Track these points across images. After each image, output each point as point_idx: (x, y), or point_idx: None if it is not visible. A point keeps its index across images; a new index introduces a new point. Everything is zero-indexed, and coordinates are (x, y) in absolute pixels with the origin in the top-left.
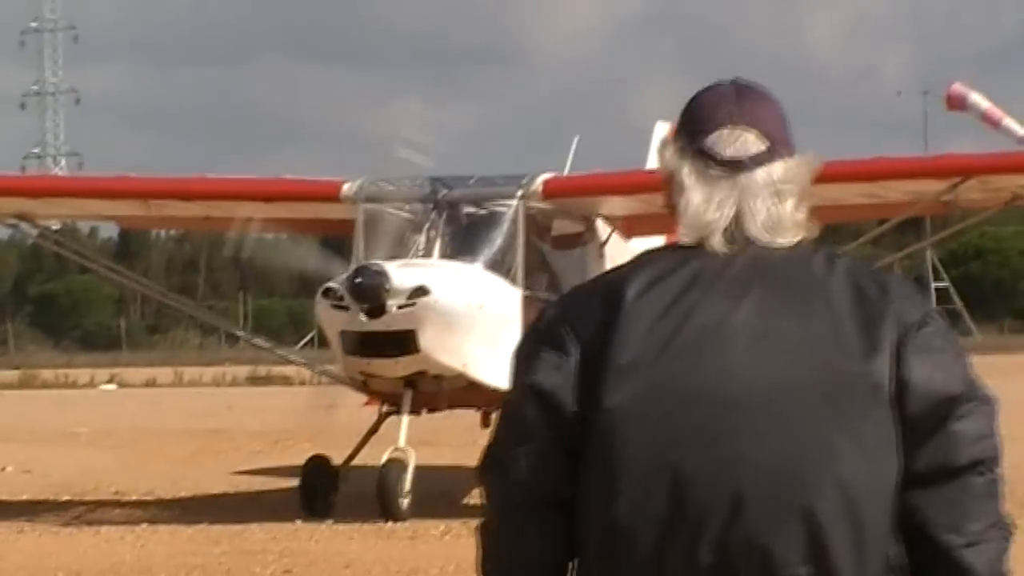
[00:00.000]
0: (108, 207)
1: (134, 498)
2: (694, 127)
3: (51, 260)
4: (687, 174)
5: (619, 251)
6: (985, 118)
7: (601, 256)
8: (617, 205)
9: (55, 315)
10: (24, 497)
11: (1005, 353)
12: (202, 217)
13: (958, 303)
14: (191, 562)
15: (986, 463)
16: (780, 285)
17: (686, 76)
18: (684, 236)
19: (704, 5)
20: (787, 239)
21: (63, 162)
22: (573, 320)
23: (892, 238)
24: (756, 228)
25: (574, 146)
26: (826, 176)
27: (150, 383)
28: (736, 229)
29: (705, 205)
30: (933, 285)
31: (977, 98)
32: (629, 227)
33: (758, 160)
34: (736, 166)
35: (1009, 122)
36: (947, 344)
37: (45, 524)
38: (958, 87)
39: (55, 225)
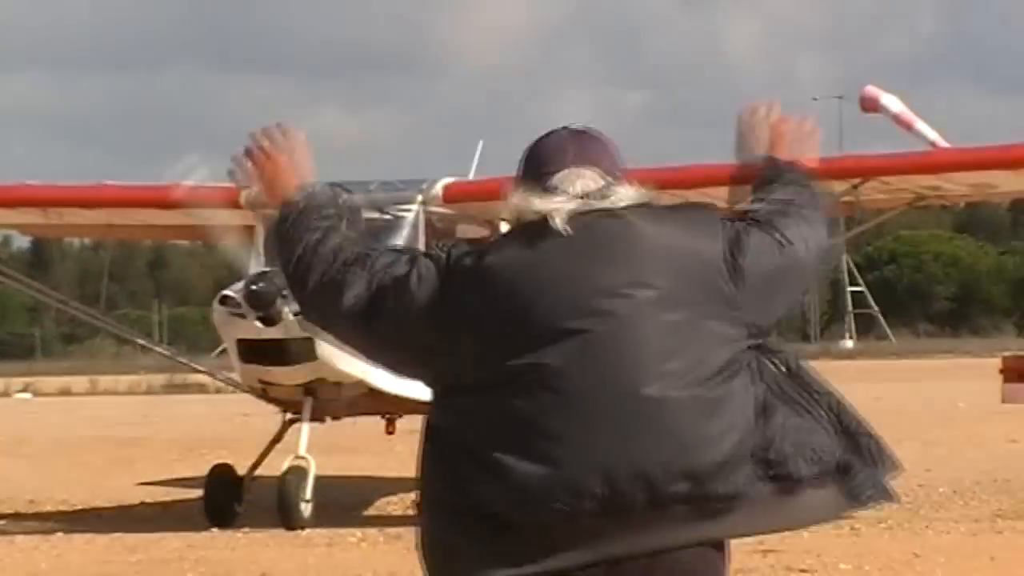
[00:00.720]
0: (5, 215)
1: (49, 507)
2: (539, 170)
3: None
4: (541, 204)
5: None
6: (897, 120)
7: None
8: None
9: None
10: None
11: (921, 357)
12: (104, 224)
13: (874, 307)
14: (107, 571)
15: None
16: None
17: (603, 83)
18: None
19: (621, 13)
20: None
21: None
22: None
23: None
24: None
25: (478, 151)
26: (726, 178)
27: (65, 391)
28: None
29: (550, 212)
30: (848, 289)
31: (889, 100)
32: None
33: (601, 194)
34: (582, 198)
35: (921, 125)
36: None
37: None
38: (871, 89)
39: None
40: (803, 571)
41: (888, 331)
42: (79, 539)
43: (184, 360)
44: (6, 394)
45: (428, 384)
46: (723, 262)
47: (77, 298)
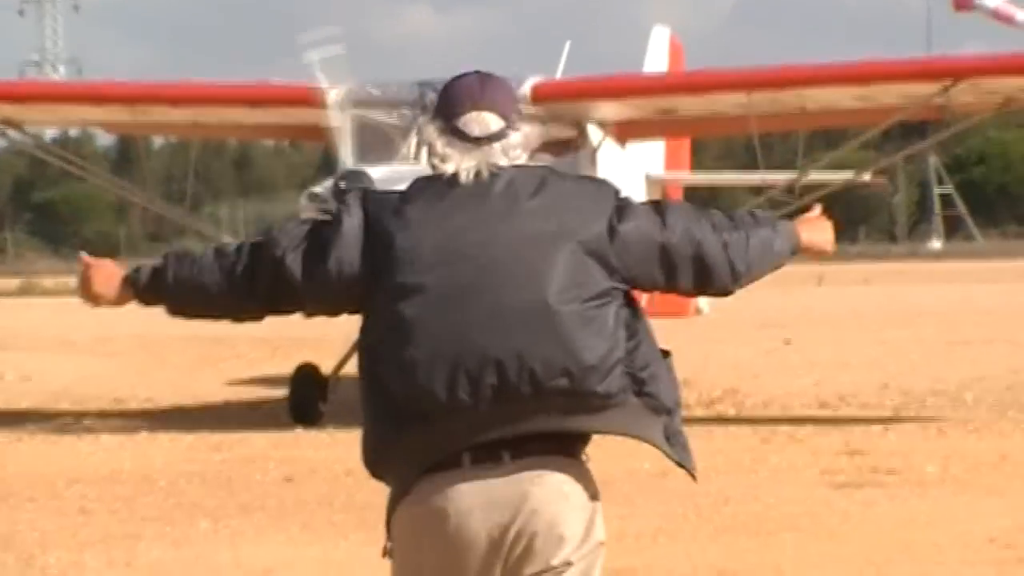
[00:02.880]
0: (94, 113)
1: (134, 406)
2: (449, 111)
3: (52, 168)
4: (444, 145)
5: (613, 157)
6: (996, 15)
7: (594, 163)
8: (609, 110)
9: (55, 223)
10: (23, 405)
11: (1009, 258)
12: (190, 123)
13: (961, 208)
14: (191, 469)
15: None
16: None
17: None
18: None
19: None
20: None
21: (62, 69)
22: (373, 210)
23: (896, 144)
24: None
25: (566, 51)
26: (816, 79)
27: None
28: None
29: (457, 169)
30: (936, 191)
31: None
32: (622, 132)
33: (498, 136)
34: (481, 140)
35: (1023, 16)
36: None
37: (44, 432)
38: None
39: (52, 132)
40: (890, 472)
41: (976, 232)
42: (164, 437)
43: None
44: None
45: (360, 308)
46: (608, 222)
47: (162, 197)
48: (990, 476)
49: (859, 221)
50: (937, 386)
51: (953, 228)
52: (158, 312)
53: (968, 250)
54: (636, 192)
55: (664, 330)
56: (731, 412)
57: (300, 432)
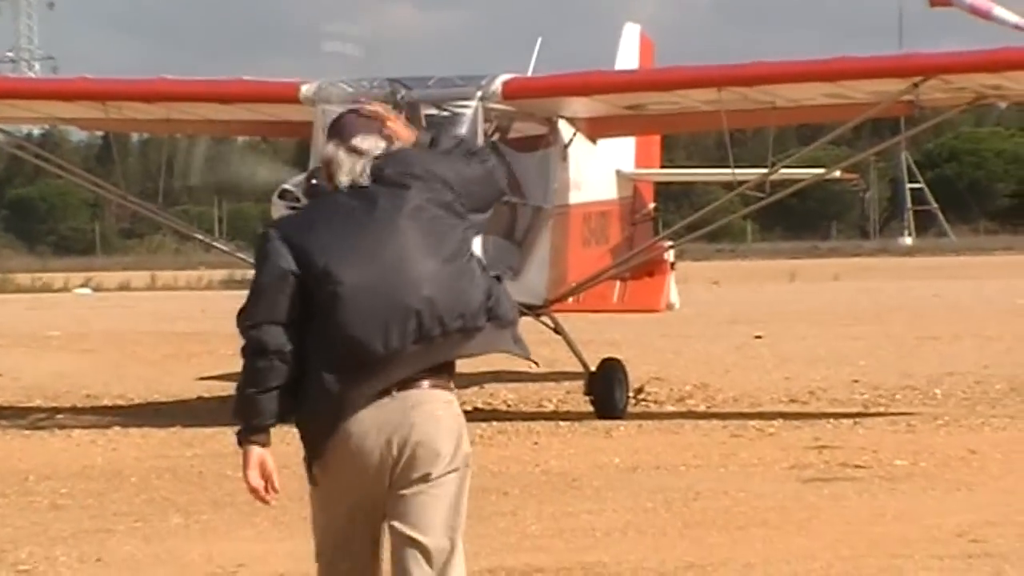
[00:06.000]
0: (65, 109)
1: (106, 402)
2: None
3: (27, 165)
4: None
5: (584, 153)
6: (974, 10)
7: (565, 159)
8: (579, 106)
9: (30, 219)
10: None
11: (980, 254)
12: (162, 119)
13: (933, 205)
14: (162, 465)
15: None
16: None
17: None
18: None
19: None
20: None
21: (37, 66)
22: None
23: (867, 140)
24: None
25: (537, 48)
26: (787, 76)
27: (124, 287)
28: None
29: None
30: (908, 186)
31: None
32: (593, 129)
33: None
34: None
35: (1000, 11)
36: None
37: (16, 427)
38: None
39: (34, 130)
40: (858, 467)
41: (947, 228)
42: (136, 433)
43: (243, 256)
44: (66, 289)
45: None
46: (451, 179)
47: (138, 194)
48: (959, 471)
49: (831, 217)
50: (906, 381)
51: (925, 224)
52: (131, 309)
53: (940, 246)
54: (607, 188)
55: (636, 324)
56: (701, 407)
57: None
